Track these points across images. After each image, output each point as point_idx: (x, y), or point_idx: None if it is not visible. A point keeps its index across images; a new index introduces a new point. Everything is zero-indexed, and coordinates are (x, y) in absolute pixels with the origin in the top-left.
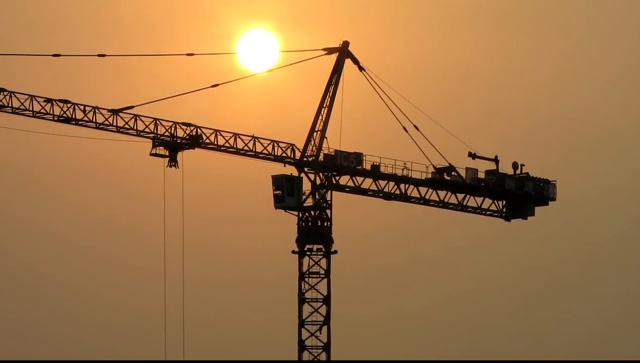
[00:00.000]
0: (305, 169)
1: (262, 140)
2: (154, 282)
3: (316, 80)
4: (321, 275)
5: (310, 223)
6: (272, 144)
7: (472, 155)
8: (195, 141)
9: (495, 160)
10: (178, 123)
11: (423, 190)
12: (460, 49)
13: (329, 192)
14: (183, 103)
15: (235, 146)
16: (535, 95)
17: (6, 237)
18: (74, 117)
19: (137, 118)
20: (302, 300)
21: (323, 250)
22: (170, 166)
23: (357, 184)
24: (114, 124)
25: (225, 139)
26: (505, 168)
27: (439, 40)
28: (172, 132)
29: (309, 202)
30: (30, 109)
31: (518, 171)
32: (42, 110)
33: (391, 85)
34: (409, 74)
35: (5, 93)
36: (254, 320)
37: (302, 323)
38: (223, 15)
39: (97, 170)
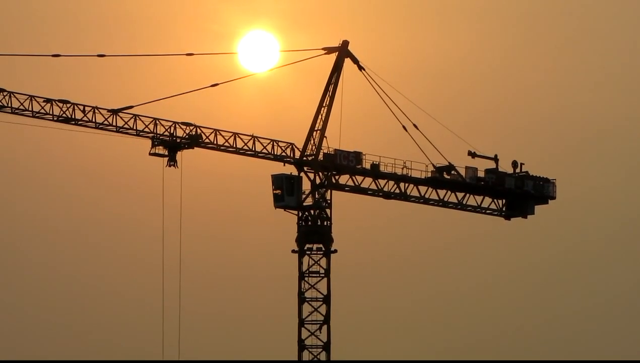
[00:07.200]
0: (305, 168)
1: (261, 140)
2: (153, 281)
3: (316, 80)
4: (321, 275)
5: (310, 223)
6: (271, 143)
7: (472, 154)
8: (194, 141)
9: (495, 158)
10: (177, 123)
11: (423, 189)
12: (459, 48)
13: (329, 191)
14: (183, 103)
15: (234, 145)
16: (535, 94)
17: (6, 237)
18: (73, 117)
19: (137, 118)
20: (302, 299)
21: (323, 249)
22: (170, 166)
23: (356, 183)
24: (114, 123)
25: (224, 139)
26: (505, 167)
27: (438, 39)
28: (172, 132)
29: (309, 201)
30: (30, 109)
31: (518, 170)
32: (42, 111)
33: (391, 84)
34: (408, 73)
35: (5, 93)
36: (254, 320)
37: (302, 322)
38: (222, 15)
39: (97, 169)
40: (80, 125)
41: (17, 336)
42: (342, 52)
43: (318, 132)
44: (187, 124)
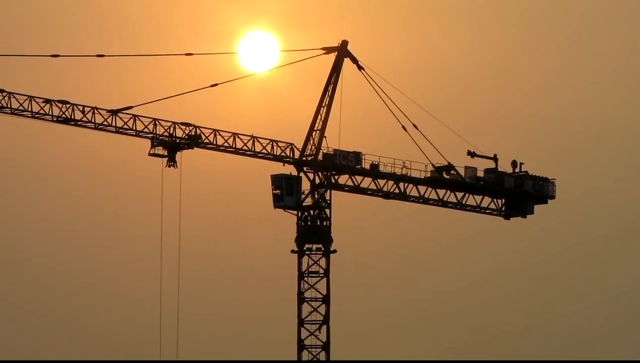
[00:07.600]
0: (305, 168)
1: (261, 140)
2: (152, 281)
3: (315, 80)
4: (320, 275)
5: (309, 223)
6: (271, 143)
7: (471, 154)
8: (194, 141)
9: (495, 158)
10: (177, 123)
11: (422, 189)
12: (459, 48)
13: (328, 191)
14: (182, 103)
15: (234, 146)
16: (534, 94)
17: (6, 237)
18: (73, 117)
19: (136, 118)
20: (301, 299)
21: (322, 249)
22: (169, 166)
23: (356, 183)
24: (113, 124)
25: (224, 139)
26: (505, 166)
27: (437, 38)
28: (171, 132)
29: (308, 201)
30: (29, 109)
31: (517, 169)
32: (41, 111)
33: (390, 84)
34: (408, 73)
35: (4, 94)
36: (254, 320)
37: (301, 322)
38: (222, 15)
39: (96, 170)
40: (80, 125)
41: (17, 336)
42: (342, 52)
43: (317, 132)
44: (187, 124)
